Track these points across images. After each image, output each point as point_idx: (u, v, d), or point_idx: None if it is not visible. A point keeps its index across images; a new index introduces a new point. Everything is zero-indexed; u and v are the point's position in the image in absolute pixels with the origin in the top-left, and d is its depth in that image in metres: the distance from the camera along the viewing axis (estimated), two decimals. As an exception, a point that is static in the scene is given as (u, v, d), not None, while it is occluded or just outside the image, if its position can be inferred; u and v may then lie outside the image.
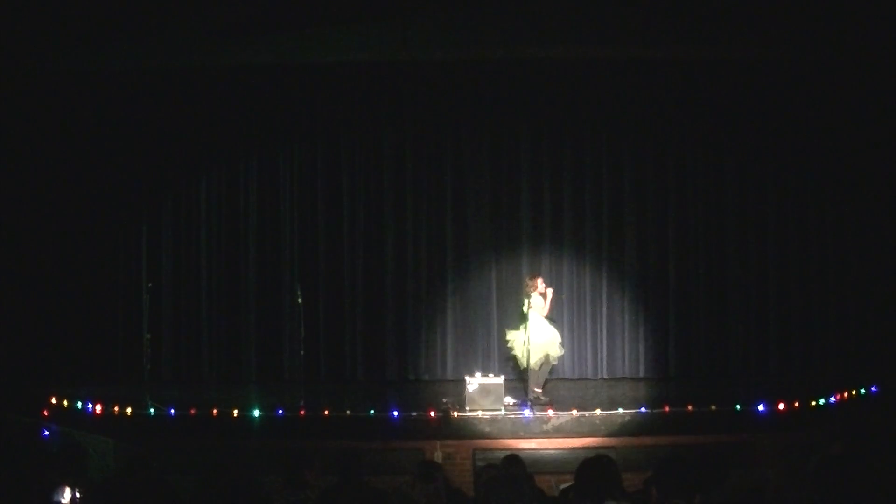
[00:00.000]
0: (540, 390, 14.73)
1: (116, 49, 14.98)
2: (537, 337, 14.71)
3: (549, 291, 14.94)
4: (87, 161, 16.34)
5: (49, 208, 16.14)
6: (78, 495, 8.58)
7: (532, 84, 16.32)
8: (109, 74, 15.87)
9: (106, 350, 16.47)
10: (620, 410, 13.72)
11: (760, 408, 13.67)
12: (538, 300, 14.89)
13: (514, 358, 15.15)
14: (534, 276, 15.24)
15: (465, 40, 14.93)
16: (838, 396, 14.25)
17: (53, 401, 14.31)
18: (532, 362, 14.67)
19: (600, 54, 15.50)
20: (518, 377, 15.36)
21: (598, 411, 13.73)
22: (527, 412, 13.65)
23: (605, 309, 16.72)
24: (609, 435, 13.35)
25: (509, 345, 15.18)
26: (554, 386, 15.78)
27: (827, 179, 16.58)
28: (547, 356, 14.82)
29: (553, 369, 15.25)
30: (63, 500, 8.53)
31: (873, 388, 14.75)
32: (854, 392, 14.51)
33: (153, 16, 14.34)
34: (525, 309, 14.85)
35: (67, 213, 16.28)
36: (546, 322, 14.93)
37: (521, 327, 14.78)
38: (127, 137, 16.42)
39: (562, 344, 15.13)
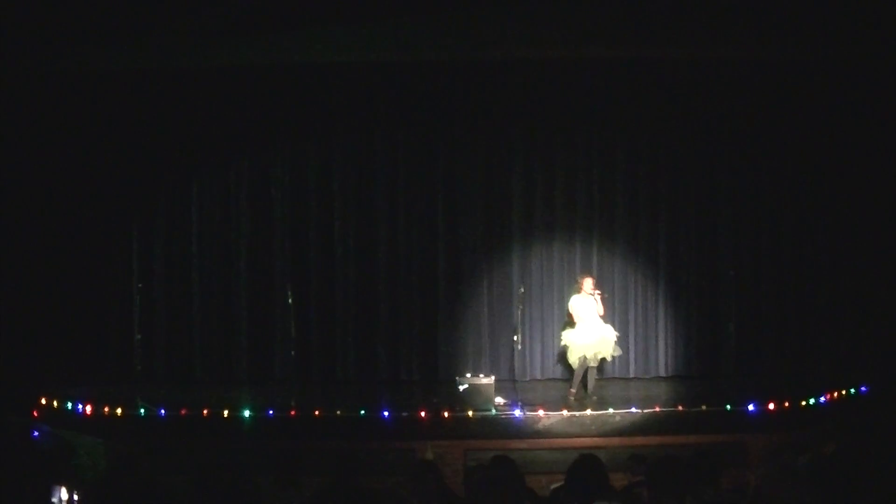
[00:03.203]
0: (574, 390, 14.84)
1: (107, 50, 14.93)
2: (576, 338, 14.84)
3: (594, 293, 14.96)
4: (78, 161, 16.25)
5: (40, 209, 16.07)
6: (76, 497, 8.57)
7: (525, 85, 16.29)
8: (99, 75, 15.79)
9: (97, 350, 16.43)
10: (611, 410, 13.75)
11: (751, 408, 13.70)
12: (579, 301, 14.95)
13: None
14: (582, 276, 15.30)
15: (457, 42, 14.93)
16: (830, 396, 14.29)
17: (44, 401, 14.29)
18: (570, 361, 14.93)
19: (594, 55, 15.47)
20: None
21: (588, 411, 13.75)
22: (517, 412, 13.67)
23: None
24: (600, 435, 13.37)
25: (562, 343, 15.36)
26: (544, 386, 15.85)
27: (818, 180, 16.61)
28: (584, 357, 14.85)
29: (590, 370, 15.03)
30: (57, 500, 8.52)
31: (864, 388, 14.78)
32: (846, 392, 14.54)
33: (142, 17, 14.31)
34: (570, 310, 15.10)
35: (58, 214, 16.20)
36: (591, 323, 14.96)
37: (567, 327, 15.13)
38: (117, 138, 16.34)
39: (617, 344, 15.09)
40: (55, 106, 15.93)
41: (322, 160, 16.86)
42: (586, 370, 14.86)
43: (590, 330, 14.84)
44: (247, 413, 13.76)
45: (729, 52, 15.33)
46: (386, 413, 13.71)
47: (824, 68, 15.73)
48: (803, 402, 14.02)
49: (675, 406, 13.99)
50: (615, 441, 13.15)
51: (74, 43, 14.68)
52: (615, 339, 14.98)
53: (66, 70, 15.43)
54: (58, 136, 16.10)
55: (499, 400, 14.05)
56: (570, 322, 15.24)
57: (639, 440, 13.12)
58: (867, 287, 16.42)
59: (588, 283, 14.98)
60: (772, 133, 16.54)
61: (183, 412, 13.83)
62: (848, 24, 14.42)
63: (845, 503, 6.23)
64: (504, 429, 13.56)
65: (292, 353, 15.06)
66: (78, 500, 8.61)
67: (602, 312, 14.94)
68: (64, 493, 8.57)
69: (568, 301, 15.31)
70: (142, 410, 13.90)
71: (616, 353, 15.22)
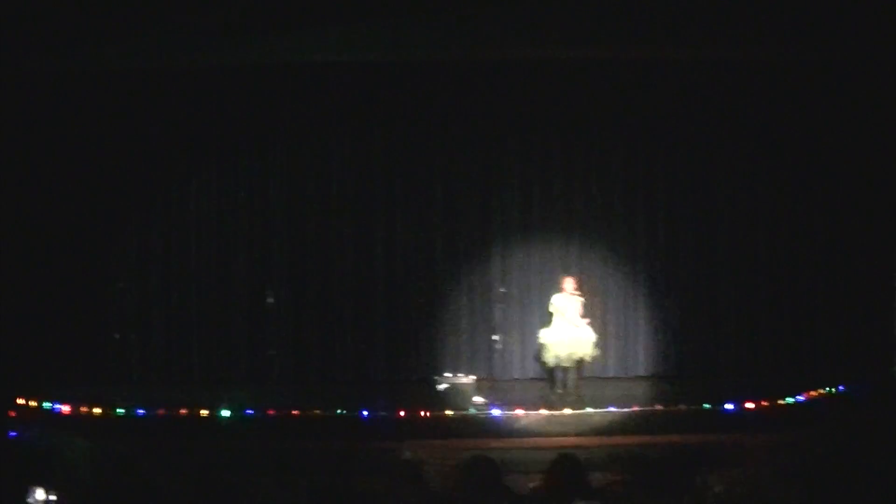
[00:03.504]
0: (560, 391, 14.86)
1: (105, 50, 14.87)
2: (550, 337, 14.89)
3: (574, 294, 14.98)
4: (75, 161, 16.22)
5: (35, 209, 16.04)
6: (53, 498, 8.54)
7: (502, 87, 16.33)
8: (92, 75, 15.76)
9: (82, 350, 16.36)
10: (589, 410, 13.77)
11: (730, 407, 13.72)
12: (560, 300, 14.97)
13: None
14: (563, 276, 15.33)
15: (453, 41, 14.92)
16: (809, 395, 14.31)
17: (26, 401, 14.22)
18: (544, 359, 14.99)
19: (588, 55, 15.51)
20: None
21: (567, 411, 13.76)
22: (496, 412, 13.67)
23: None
24: (578, 434, 13.38)
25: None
26: (524, 386, 15.85)
27: (798, 178, 16.68)
28: (557, 357, 14.87)
29: (569, 370, 15.02)
30: (33, 502, 8.48)
31: (854, 389, 14.80)
32: (826, 391, 14.57)
33: (140, 16, 14.27)
34: (550, 308, 15.10)
35: (54, 214, 16.16)
36: (567, 323, 14.96)
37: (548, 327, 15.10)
38: (115, 138, 16.31)
39: (595, 346, 15.08)
40: (48, 105, 15.88)
41: (319, 160, 16.82)
42: (565, 370, 14.88)
43: (564, 330, 14.88)
44: (231, 413, 13.73)
45: (709, 53, 15.41)
46: (364, 413, 13.69)
47: (800, 68, 15.88)
48: (781, 402, 14.05)
49: (654, 405, 14.02)
50: (594, 440, 13.15)
51: (66, 42, 14.61)
52: (593, 340, 14.99)
53: (58, 69, 15.39)
54: (50, 136, 16.05)
55: (478, 399, 14.07)
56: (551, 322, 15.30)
57: (617, 439, 13.13)
58: (849, 286, 16.49)
59: (568, 283, 15.02)
60: (749, 133, 16.61)
61: (171, 412, 13.79)
62: (834, 25, 14.51)
63: (834, 502, 6.27)
64: (483, 428, 13.57)
65: (272, 353, 15.04)
66: (56, 502, 8.58)
67: (581, 313, 14.95)
68: (41, 494, 8.54)
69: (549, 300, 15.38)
70: (130, 410, 13.82)
71: (594, 354, 15.25)
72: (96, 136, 16.26)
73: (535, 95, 16.43)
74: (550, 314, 15.19)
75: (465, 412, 13.73)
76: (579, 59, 15.72)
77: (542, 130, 16.86)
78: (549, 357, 14.90)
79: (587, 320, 15.14)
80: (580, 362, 15.13)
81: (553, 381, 14.99)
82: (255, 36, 14.72)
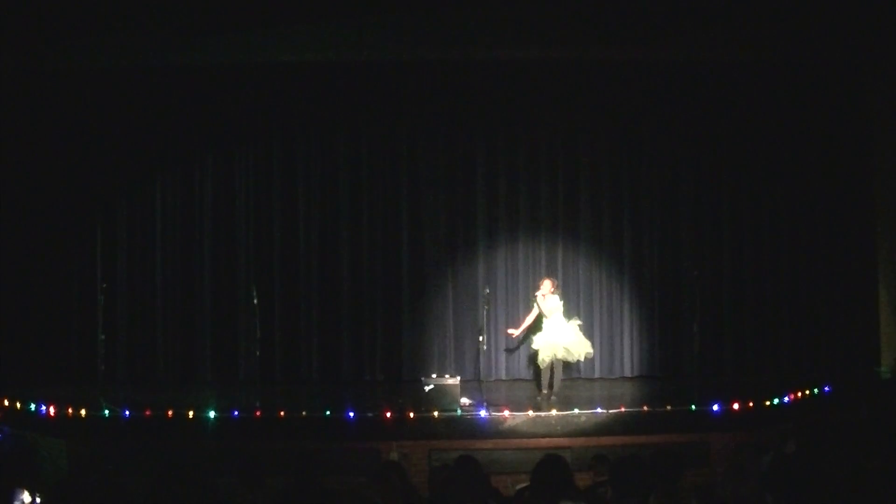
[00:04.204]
0: (545, 391, 14.91)
1: (71, 48, 14.84)
2: (537, 340, 14.93)
3: (548, 295, 15.01)
4: (41, 160, 16.19)
5: (1, 208, 16.00)
6: (38, 500, 8.49)
7: (488, 86, 16.34)
8: (64, 74, 15.74)
9: (59, 351, 16.33)
10: (576, 411, 13.75)
11: (715, 408, 13.74)
12: (540, 303, 14.97)
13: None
14: (541, 280, 15.39)
15: (419, 41, 14.93)
16: (792, 396, 14.35)
17: (6, 403, 14.16)
18: (538, 362, 14.97)
19: (556, 56, 15.55)
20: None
21: (553, 412, 13.75)
22: (482, 413, 13.65)
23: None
24: (565, 435, 13.37)
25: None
26: (510, 386, 15.84)
27: (779, 181, 16.72)
28: (541, 358, 14.89)
29: (555, 370, 15.08)
30: (24, 502, 8.45)
31: (826, 389, 14.87)
32: (807, 392, 14.61)
33: (107, 15, 14.21)
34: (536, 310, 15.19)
35: (21, 213, 16.13)
36: (551, 325, 14.99)
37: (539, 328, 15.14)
38: (81, 137, 16.30)
39: (567, 349, 15.01)
40: (13, 105, 15.82)
41: (285, 160, 16.83)
42: (551, 370, 14.90)
43: (544, 332, 14.92)
44: (211, 414, 13.69)
45: (689, 53, 15.45)
46: (351, 414, 13.66)
47: (782, 70, 15.95)
48: (767, 403, 14.07)
49: (640, 406, 14.02)
50: (580, 441, 13.15)
51: (35, 42, 14.55)
52: (565, 344, 14.95)
53: (25, 69, 15.33)
54: (21, 136, 16.00)
55: (464, 400, 14.04)
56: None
57: (604, 440, 13.12)
58: (830, 289, 16.55)
59: (545, 285, 15.07)
60: (732, 135, 16.66)
61: (147, 413, 13.73)
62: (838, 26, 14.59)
63: (805, 501, 6.27)
64: (469, 429, 13.53)
65: (257, 353, 15.00)
66: (40, 503, 8.54)
67: (547, 316, 14.95)
68: (26, 497, 8.50)
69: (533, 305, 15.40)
70: (105, 411, 13.78)
71: (581, 359, 15.26)
72: (60, 137, 16.29)
73: (523, 98, 16.48)
74: (538, 318, 15.17)
75: (451, 413, 13.70)
76: (570, 60, 15.77)
77: (528, 133, 16.87)
78: (542, 359, 14.90)
79: (579, 322, 15.17)
80: (567, 363, 15.15)
81: (540, 383, 15.01)
82: (222, 36, 14.63)
